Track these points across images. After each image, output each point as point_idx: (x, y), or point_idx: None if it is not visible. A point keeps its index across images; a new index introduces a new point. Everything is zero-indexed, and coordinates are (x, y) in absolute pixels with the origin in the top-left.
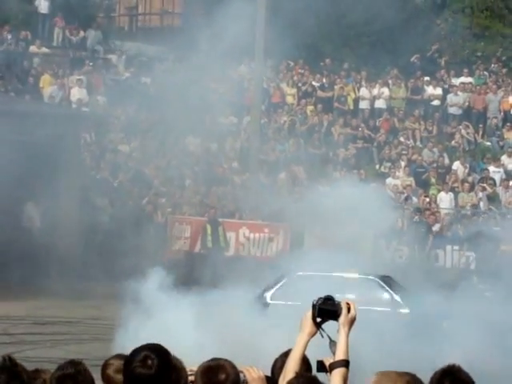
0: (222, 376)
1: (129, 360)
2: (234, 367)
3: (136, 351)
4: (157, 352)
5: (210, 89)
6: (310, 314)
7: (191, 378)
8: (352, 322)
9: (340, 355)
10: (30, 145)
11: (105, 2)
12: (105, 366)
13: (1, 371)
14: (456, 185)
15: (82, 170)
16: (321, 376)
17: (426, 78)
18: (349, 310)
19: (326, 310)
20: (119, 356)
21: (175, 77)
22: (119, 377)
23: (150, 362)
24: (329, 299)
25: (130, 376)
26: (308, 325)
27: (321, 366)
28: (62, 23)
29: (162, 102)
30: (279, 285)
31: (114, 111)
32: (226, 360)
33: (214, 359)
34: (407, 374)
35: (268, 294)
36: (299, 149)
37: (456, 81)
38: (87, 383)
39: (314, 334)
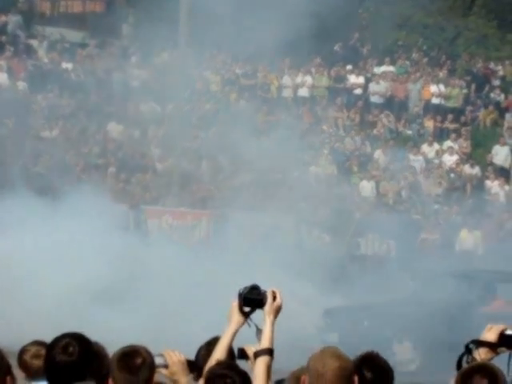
0: (139, 360)
1: (50, 347)
2: (148, 352)
3: (57, 339)
4: (78, 340)
5: (132, 75)
6: (236, 303)
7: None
8: (278, 310)
9: (265, 343)
10: None
11: None
12: (22, 352)
13: None
14: (377, 173)
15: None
16: (243, 364)
17: (349, 67)
18: (274, 298)
19: (252, 298)
20: (37, 342)
21: (97, 63)
22: (37, 362)
23: (71, 349)
24: (254, 288)
25: (51, 363)
26: (235, 314)
27: (241, 354)
28: None
29: (84, 89)
30: None
31: (35, 97)
32: (141, 346)
33: (129, 346)
34: (346, 358)
35: None
36: (222, 137)
37: (378, 70)
38: (3, 369)
39: (242, 324)
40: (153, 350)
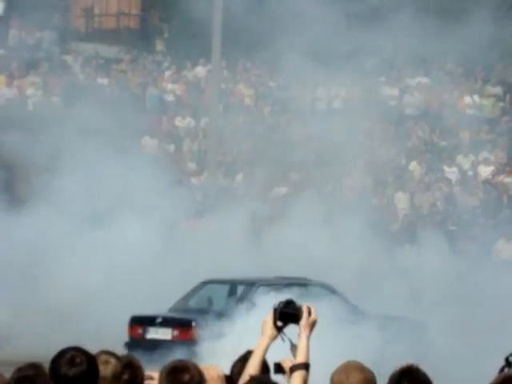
0: (187, 377)
1: (55, 363)
2: (197, 368)
3: (60, 354)
4: (81, 351)
5: (166, 90)
6: (270, 317)
7: (148, 382)
8: (313, 325)
9: (300, 358)
10: None
11: (60, 2)
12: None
13: None
14: (412, 185)
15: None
16: (279, 378)
17: (382, 78)
18: (309, 313)
19: (288, 313)
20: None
21: (132, 78)
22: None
23: (78, 360)
24: (290, 302)
25: (61, 378)
26: (269, 328)
27: (278, 368)
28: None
29: (119, 104)
30: None
31: (70, 112)
32: (190, 361)
33: (178, 360)
34: (369, 370)
35: None
36: (257, 150)
37: (412, 81)
38: None
39: (275, 338)
40: None
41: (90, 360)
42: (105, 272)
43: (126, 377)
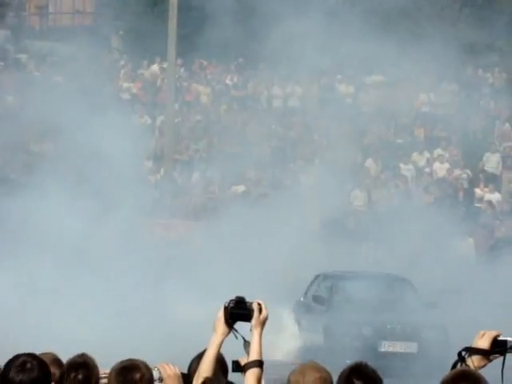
0: (137, 375)
1: (6, 369)
2: (147, 367)
3: (11, 360)
4: (32, 357)
5: (122, 88)
6: (221, 315)
7: (104, 381)
8: (264, 322)
9: (254, 356)
10: None
11: (14, 1)
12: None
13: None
14: (369, 182)
15: None
16: (237, 376)
17: (339, 76)
18: (260, 310)
19: (239, 313)
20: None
21: (87, 76)
22: None
23: (29, 365)
24: (240, 302)
25: (8, 381)
26: (221, 325)
27: (236, 366)
28: None
29: (74, 102)
30: None
31: (25, 111)
32: (139, 360)
33: (128, 359)
34: (325, 370)
35: None
36: (213, 148)
37: (368, 79)
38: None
39: (227, 335)
40: None
41: (41, 365)
42: None
43: (80, 376)
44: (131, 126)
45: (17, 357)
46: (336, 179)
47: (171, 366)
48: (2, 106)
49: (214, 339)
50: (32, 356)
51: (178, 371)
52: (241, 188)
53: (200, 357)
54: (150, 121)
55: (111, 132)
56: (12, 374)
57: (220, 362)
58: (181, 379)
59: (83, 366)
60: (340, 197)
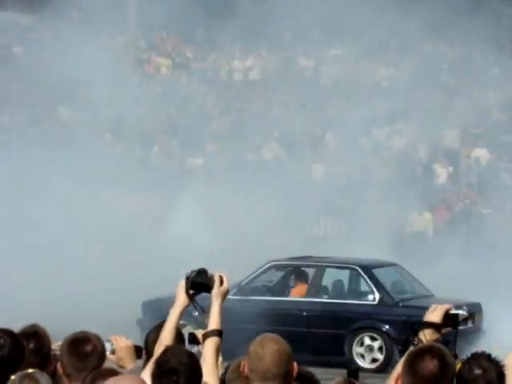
0: (89, 347)
1: None
2: (99, 339)
3: None
4: (6, 333)
5: (82, 59)
6: (182, 284)
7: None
8: (225, 294)
9: (213, 325)
10: None
11: None
12: None
13: None
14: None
15: None
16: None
17: (299, 50)
18: (222, 282)
19: (199, 283)
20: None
21: (47, 47)
22: None
23: (1, 341)
24: (202, 272)
25: None
26: (181, 296)
27: (193, 338)
28: None
29: (34, 73)
30: None
31: None
32: (91, 332)
33: (80, 332)
34: (284, 342)
35: None
36: (172, 121)
37: (328, 52)
38: None
39: (187, 306)
40: None
41: (14, 342)
42: None
43: (31, 346)
44: (92, 97)
45: None
46: (296, 153)
47: (124, 338)
48: None
49: (175, 309)
50: (6, 332)
51: (130, 343)
52: (199, 161)
53: (157, 328)
54: (109, 93)
55: (70, 103)
56: None
57: (177, 333)
58: (133, 351)
59: (34, 336)
60: (300, 170)
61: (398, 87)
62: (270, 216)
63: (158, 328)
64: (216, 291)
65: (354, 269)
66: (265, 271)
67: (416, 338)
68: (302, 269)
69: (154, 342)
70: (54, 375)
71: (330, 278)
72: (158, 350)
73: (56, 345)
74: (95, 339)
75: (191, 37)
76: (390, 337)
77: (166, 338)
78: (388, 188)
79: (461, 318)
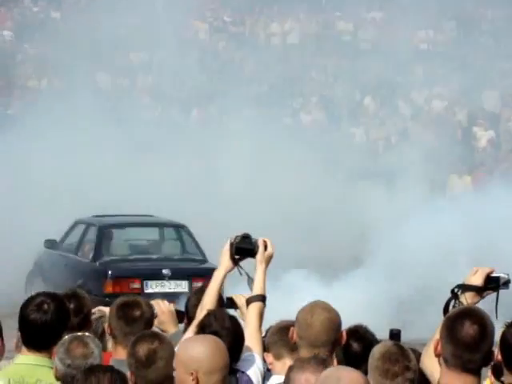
0: (137, 313)
1: (24, 306)
2: (149, 305)
3: (31, 297)
4: (52, 297)
5: (120, 24)
6: (227, 249)
7: (95, 316)
8: (269, 259)
9: (257, 290)
10: None
11: None
12: None
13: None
14: (367, 120)
15: None
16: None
17: (337, 13)
18: (266, 247)
19: (244, 248)
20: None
21: (85, 12)
22: None
23: (45, 306)
24: (246, 237)
25: (25, 321)
26: (225, 260)
27: (230, 303)
28: None
29: (72, 38)
30: None
31: (22, 47)
32: (140, 297)
33: (131, 296)
34: (334, 311)
35: None
36: (211, 85)
37: (366, 15)
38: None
39: (231, 270)
40: None
41: (58, 308)
42: None
43: (71, 307)
44: (128, 62)
45: (37, 295)
46: (334, 117)
47: (165, 303)
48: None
49: (218, 273)
50: (50, 296)
51: (172, 308)
52: (238, 125)
53: (198, 292)
54: (147, 57)
55: (109, 68)
56: (27, 311)
57: (219, 297)
58: (174, 315)
59: (74, 297)
60: (338, 135)
61: (438, 50)
62: (307, 180)
63: (199, 292)
64: (260, 257)
65: None
66: (72, 228)
67: (457, 301)
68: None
69: (195, 306)
70: (101, 337)
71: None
72: (200, 314)
73: (97, 309)
74: (144, 305)
75: (229, 1)
76: None
77: (208, 301)
78: (427, 151)
79: (502, 281)
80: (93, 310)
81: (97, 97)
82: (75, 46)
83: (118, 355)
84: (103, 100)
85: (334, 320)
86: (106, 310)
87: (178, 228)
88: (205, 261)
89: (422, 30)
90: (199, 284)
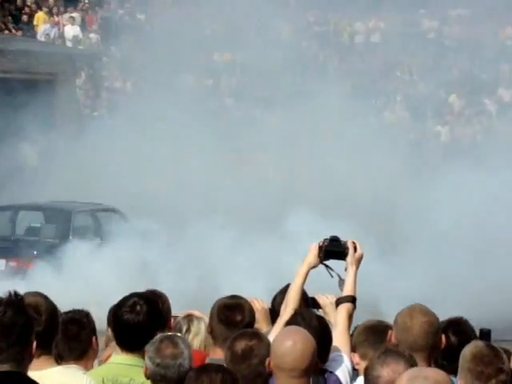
0: (239, 317)
1: (117, 307)
2: (251, 309)
3: (125, 298)
4: (145, 299)
5: (204, 25)
6: (314, 247)
7: (182, 316)
8: (359, 260)
9: (348, 291)
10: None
11: None
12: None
13: (6, 307)
14: (452, 118)
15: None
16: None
17: (422, 11)
18: (355, 248)
19: (334, 251)
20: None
21: (170, 13)
22: None
23: (138, 308)
24: (335, 240)
25: (119, 322)
26: (311, 256)
27: (313, 303)
28: None
29: (156, 39)
30: None
31: (108, 49)
32: (245, 300)
33: (233, 297)
34: (433, 314)
35: None
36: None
37: (452, 12)
38: (91, 328)
39: (314, 267)
40: None
41: (150, 310)
42: None
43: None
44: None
45: (129, 296)
46: (418, 115)
47: (260, 301)
48: (87, 43)
49: (302, 269)
50: (142, 298)
51: (266, 306)
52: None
53: (284, 291)
54: (231, 58)
55: (192, 69)
56: (120, 312)
57: (302, 295)
58: (268, 313)
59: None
60: (423, 132)
61: None
62: (392, 179)
63: (284, 291)
64: (351, 258)
65: None
66: None
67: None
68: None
69: (281, 303)
70: None
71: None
72: (284, 311)
73: (186, 312)
74: (246, 308)
75: (312, 0)
76: None
77: (292, 297)
78: None
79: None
80: (182, 314)
81: (180, 97)
82: (159, 48)
83: (215, 355)
84: (187, 101)
85: (433, 323)
86: (196, 312)
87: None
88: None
89: (509, 26)
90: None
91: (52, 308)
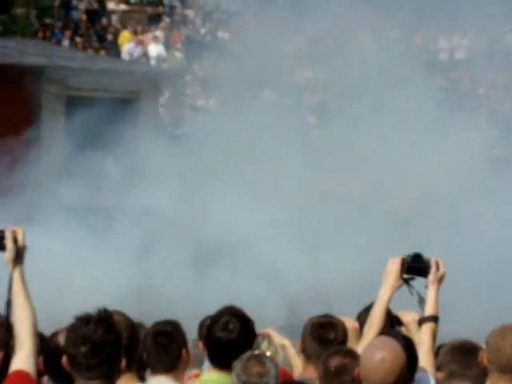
0: (332, 335)
1: (211, 324)
2: (344, 327)
3: (218, 315)
4: (238, 317)
5: (287, 42)
6: (394, 267)
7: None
8: (442, 279)
9: (430, 310)
10: (110, 101)
11: None
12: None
13: (96, 324)
14: None
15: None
16: None
17: (508, 27)
18: (437, 267)
19: (416, 267)
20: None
21: (252, 31)
22: None
23: (231, 326)
24: (418, 256)
25: (212, 340)
26: (392, 279)
27: (396, 320)
28: None
29: (239, 57)
30: None
31: (191, 67)
32: (337, 318)
33: (326, 316)
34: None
35: None
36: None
37: None
38: (181, 340)
39: (398, 288)
40: None
41: (243, 327)
42: None
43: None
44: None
45: (221, 314)
46: (504, 131)
47: (350, 319)
48: (171, 61)
49: (385, 292)
50: (236, 315)
51: (356, 325)
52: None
53: (368, 309)
54: (313, 75)
55: (275, 87)
56: (213, 330)
57: (387, 315)
58: (358, 332)
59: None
60: (507, 149)
61: None
62: (480, 198)
63: (368, 310)
64: (433, 276)
65: None
66: None
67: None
68: None
69: (365, 321)
70: None
71: None
72: (368, 332)
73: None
74: (340, 326)
75: (395, 16)
76: None
77: (375, 319)
78: None
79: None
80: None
81: (263, 114)
82: (242, 65)
83: (307, 373)
84: (270, 117)
85: None
86: (271, 332)
87: None
88: None
89: None
90: None
91: (131, 325)
